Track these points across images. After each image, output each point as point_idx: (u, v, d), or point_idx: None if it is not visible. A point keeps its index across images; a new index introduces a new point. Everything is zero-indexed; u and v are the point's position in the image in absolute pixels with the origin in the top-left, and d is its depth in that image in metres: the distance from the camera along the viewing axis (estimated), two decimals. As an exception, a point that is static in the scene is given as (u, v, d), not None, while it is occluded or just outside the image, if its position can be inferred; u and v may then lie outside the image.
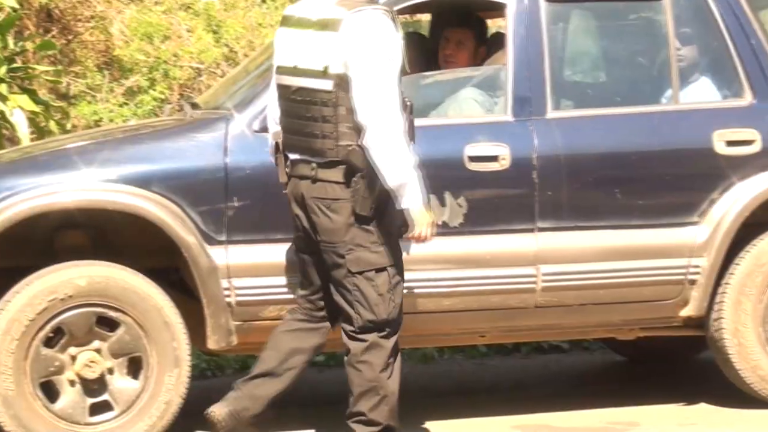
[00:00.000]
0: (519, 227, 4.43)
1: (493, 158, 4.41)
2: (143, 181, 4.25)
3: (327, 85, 3.78)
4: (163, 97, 6.63)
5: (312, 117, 3.81)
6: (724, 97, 4.70)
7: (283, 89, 3.92)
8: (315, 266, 3.99)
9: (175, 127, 4.55)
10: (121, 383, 4.22)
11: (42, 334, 4.16)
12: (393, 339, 3.89)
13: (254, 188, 4.31)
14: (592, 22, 4.96)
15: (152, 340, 4.23)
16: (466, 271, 4.41)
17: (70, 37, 6.86)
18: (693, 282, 4.54)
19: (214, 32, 6.95)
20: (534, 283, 4.45)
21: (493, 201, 4.43)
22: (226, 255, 4.29)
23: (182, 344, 4.26)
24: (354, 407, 3.92)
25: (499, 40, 4.82)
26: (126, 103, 6.59)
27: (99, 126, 6.30)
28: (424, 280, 4.39)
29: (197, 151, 4.32)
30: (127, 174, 4.26)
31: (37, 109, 5.86)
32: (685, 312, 4.57)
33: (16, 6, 6.08)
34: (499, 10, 4.71)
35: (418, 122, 4.51)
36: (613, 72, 5.00)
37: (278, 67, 3.94)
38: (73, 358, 4.20)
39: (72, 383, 4.20)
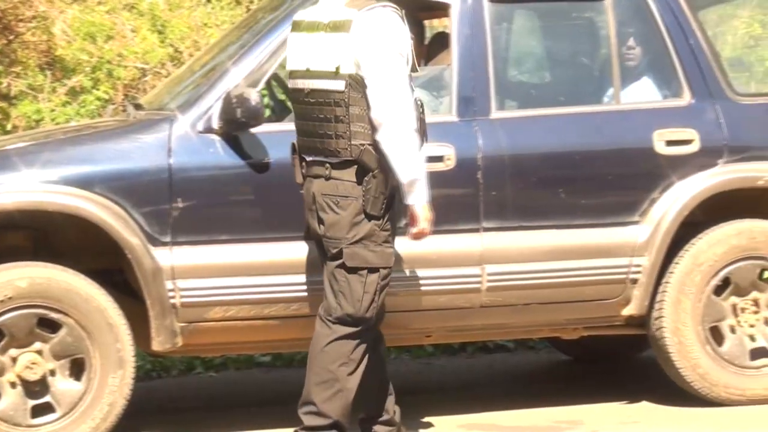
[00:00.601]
0: (464, 227, 4.45)
1: (438, 158, 4.43)
2: (85, 183, 4.22)
3: (339, 85, 3.85)
4: (107, 97, 6.57)
5: (325, 118, 3.90)
6: (664, 96, 4.76)
7: (296, 92, 4.01)
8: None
9: (118, 128, 4.52)
10: (63, 385, 4.18)
11: (-18, 336, 4.13)
12: (363, 337, 3.95)
13: (198, 189, 4.29)
14: (536, 23, 5.00)
15: (95, 342, 4.20)
16: (411, 271, 4.42)
17: (11, 37, 6.78)
18: (635, 281, 4.58)
19: (159, 32, 6.91)
20: (479, 283, 4.47)
21: (439, 201, 4.42)
22: (170, 256, 4.27)
23: (126, 345, 4.24)
24: (307, 396, 3.96)
25: (443, 40, 4.85)
26: (69, 103, 6.53)
27: (40, 126, 6.23)
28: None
29: (140, 152, 4.30)
30: (69, 175, 4.22)
31: (-23, 109, 5.78)
32: (627, 311, 4.62)
33: (-44, 5, 6.00)
34: (443, 11, 4.73)
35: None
36: (557, 72, 5.04)
37: (291, 72, 4.03)
38: (14, 359, 4.16)
39: (13, 385, 4.16)
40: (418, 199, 3.92)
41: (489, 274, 4.47)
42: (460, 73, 4.53)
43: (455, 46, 4.55)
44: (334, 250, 3.91)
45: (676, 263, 4.60)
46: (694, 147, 4.60)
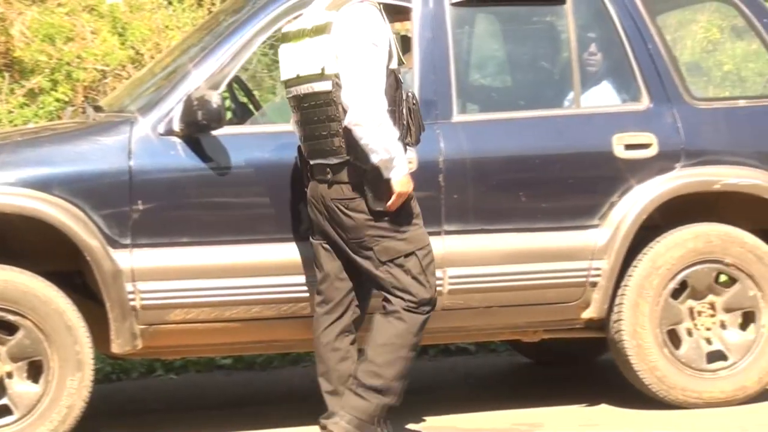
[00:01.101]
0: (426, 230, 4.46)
1: (400, 162, 4.43)
2: (43, 185, 4.19)
3: (326, 86, 3.94)
4: (66, 99, 6.53)
5: (319, 119, 3.98)
6: (623, 100, 4.79)
7: (294, 100, 4.09)
8: (335, 254, 4.07)
9: (77, 130, 4.49)
10: (20, 387, 4.15)
11: (-62, 338, 4.10)
12: (428, 316, 4.03)
13: (159, 192, 4.27)
14: (497, 27, 5.02)
15: (53, 344, 4.17)
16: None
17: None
18: (594, 284, 4.61)
19: (120, 34, 6.87)
20: (440, 285, 4.47)
21: (400, 204, 4.44)
22: (130, 258, 4.25)
23: (85, 348, 4.21)
24: (369, 353, 3.99)
25: (404, 43, 4.86)
26: (27, 105, 6.49)
27: (-1, 128, 6.18)
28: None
29: (100, 154, 4.27)
30: (27, 177, 4.19)
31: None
32: (587, 314, 4.64)
33: None
34: (404, 14, 4.74)
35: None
36: (518, 76, 5.07)
37: (285, 82, 4.12)
38: (-28, 362, 4.14)
39: (-30, 387, 4.14)
40: (394, 174, 3.95)
41: (450, 277, 4.49)
42: (422, 76, 4.54)
43: (417, 49, 4.57)
44: (365, 251, 3.97)
45: (635, 266, 4.64)
46: (652, 151, 4.64)
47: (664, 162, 4.63)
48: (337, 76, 3.92)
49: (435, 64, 4.56)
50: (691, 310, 4.70)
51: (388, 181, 3.96)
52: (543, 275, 4.57)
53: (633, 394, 4.77)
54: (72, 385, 4.16)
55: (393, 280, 3.99)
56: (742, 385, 4.69)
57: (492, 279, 4.53)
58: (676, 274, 4.65)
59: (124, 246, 4.24)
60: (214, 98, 4.22)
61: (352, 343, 4.11)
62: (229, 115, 4.85)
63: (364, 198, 3.95)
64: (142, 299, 4.26)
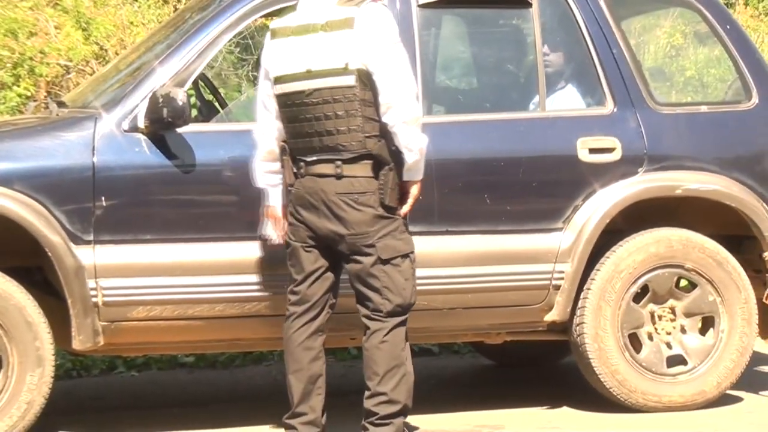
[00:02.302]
0: (389, 231, 4.46)
1: (365, 162, 4.43)
2: (5, 180, 4.16)
3: (349, 80, 3.91)
4: (28, 94, 6.48)
5: (335, 114, 3.93)
6: (588, 105, 4.82)
7: (291, 96, 4.00)
8: (316, 259, 4.04)
9: (40, 125, 4.46)
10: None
11: None
12: (406, 326, 4.05)
13: (123, 188, 4.25)
14: (463, 29, 5.04)
15: (13, 340, 4.14)
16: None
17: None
18: (557, 287, 4.63)
19: (84, 30, 6.83)
20: (403, 286, 4.48)
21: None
22: (93, 255, 4.22)
23: (45, 344, 4.19)
24: (377, 388, 4.00)
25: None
26: (-11, 99, 6.43)
27: (-39, 122, 6.11)
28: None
29: (63, 150, 4.24)
30: None
31: None
32: (550, 317, 4.67)
33: None
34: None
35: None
36: (483, 78, 5.08)
37: (281, 77, 4.01)
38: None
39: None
40: (414, 177, 4.02)
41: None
42: (388, 77, 4.54)
43: (383, 50, 4.56)
44: (366, 248, 3.95)
45: (597, 270, 4.66)
46: (615, 155, 4.67)
47: (627, 166, 4.66)
48: (360, 71, 3.90)
49: (401, 66, 4.55)
50: (652, 314, 4.73)
51: (401, 181, 3.98)
52: (506, 278, 4.59)
53: (594, 397, 4.79)
54: (32, 381, 4.13)
55: (387, 280, 3.98)
56: (701, 389, 4.73)
57: (455, 281, 4.54)
58: (638, 278, 4.68)
59: (87, 242, 4.22)
60: (180, 95, 4.20)
61: (323, 344, 4.12)
62: (194, 112, 4.83)
63: (378, 193, 3.94)
64: (105, 296, 4.24)
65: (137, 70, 4.54)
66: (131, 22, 7.04)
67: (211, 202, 4.36)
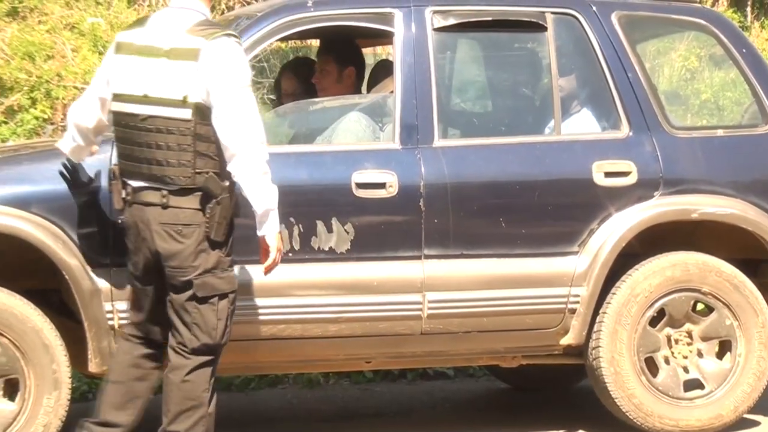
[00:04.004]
0: (406, 254, 4.46)
1: (381, 185, 4.45)
2: (22, 202, 4.18)
3: (185, 114, 3.79)
4: (45, 116, 6.51)
5: (166, 146, 3.81)
6: (603, 128, 4.81)
7: (126, 117, 3.88)
8: (151, 292, 3.95)
9: (57, 148, 4.47)
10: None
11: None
12: (217, 362, 3.94)
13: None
14: (479, 52, 5.05)
15: (30, 362, 4.15)
16: (352, 298, 4.42)
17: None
18: (573, 311, 4.62)
19: (100, 53, 6.86)
20: (420, 310, 4.48)
21: (381, 228, 4.46)
22: (109, 278, 4.23)
23: (62, 366, 4.19)
24: (170, 425, 3.89)
25: (386, 67, 4.88)
26: (5, 122, 6.46)
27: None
28: (311, 306, 4.40)
29: (81, 173, 4.25)
30: (5, 195, 4.18)
31: None
32: (566, 340, 4.65)
33: None
34: (387, 38, 4.76)
35: (307, 148, 4.56)
36: (499, 102, 5.09)
37: (119, 95, 3.90)
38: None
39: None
40: (272, 230, 3.89)
41: (430, 302, 4.49)
42: (404, 100, 4.55)
43: (399, 73, 4.58)
44: (182, 281, 3.84)
45: (613, 294, 4.65)
46: (631, 179, 4.66)
47: (643, 190, 4.65)
48: (198, 106, 3.77)
49: (417, 89, 4.57)
50: (668, 338, 4.72)
51: (232, 217, 3.86)
52: (522, 301, 4.58)
53: (610, 421, 4.77)
54: (48, 404, 4.13)
55: (198, 317, 3.84)
56: (718, 413, 4.71)
57: (471, 304, 4.54)
58: (654, 302, 4.67)
59: (104, 265, 4.22)
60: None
61: (154, 369, 4.00)
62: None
63: (203, 227, 3.81)
64: (121, 319, 4.24)
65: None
66: (147, 45, 7.06)
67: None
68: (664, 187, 4.68)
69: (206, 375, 3.88)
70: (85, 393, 5.54)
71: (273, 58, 7.11)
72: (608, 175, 4.65)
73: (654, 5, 4.95)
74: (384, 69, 4.95)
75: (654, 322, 4.70)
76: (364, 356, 4.60)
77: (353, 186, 4.43)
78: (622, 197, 4.63)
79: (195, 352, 3.87)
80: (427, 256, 4.49)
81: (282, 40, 5.01)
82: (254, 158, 3.81)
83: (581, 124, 4.84)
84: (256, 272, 4.29)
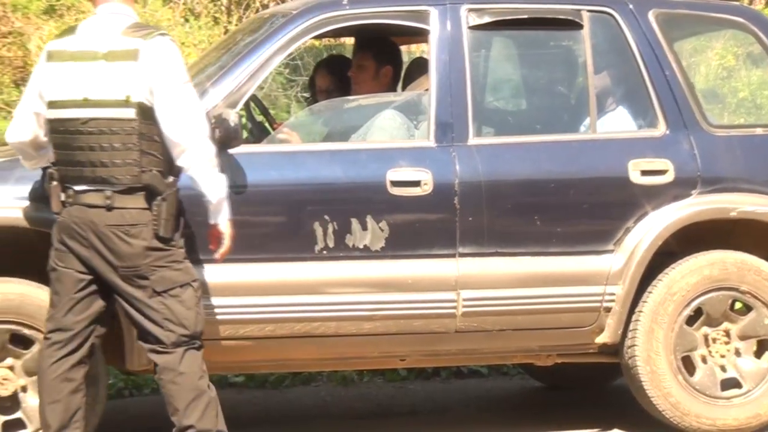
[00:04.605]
0: (440, 252, 4.46)
1: (416, 183, 4.45)
2: None
3: (129, 113, 3.80)
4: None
5: (111, 146, 3.80)
6: (639, 127, 4.79)
7: (65, 122, 3.86)
8: (88, 295, 3.92)
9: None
10: (34, 401, 4.12)
11: (-46, 351, 4.11)
12: (202, 351, 3.95)
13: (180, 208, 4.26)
14: (514, 50, 5.03)
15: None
16: (387, 295, 4.42)
17: (-13, 53, 6.76)
18: (608, 309, 4.60)
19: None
20: (454, 308, 4.48)
21: (415, 226, 4.46)
22: (146, 275, 4.25)
23: (99, 363, 4.21)
24: (182, 422, 3.91)
25: (421, 65, 4.88)
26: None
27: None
28: (345, 303, 4.40)
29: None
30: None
31: (-48, 123, 5.74)
32: (601, 339, 4.63)
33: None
34: (422, 36, 4.76)
35: (342, 146, 4.56)
36: (534, 100, 5.07)
37: (55, 102, 3.87)
38: (-15, 375, 4.15)
39: (-16, 401, 4.15)
40: (224, 217, 3.94)
41: (464, 300, 4.48)
42: (439, 98, 4.55)
43: (434, 71, 4.57)
44: (139, 280, 3.84)
45: (650, 292, 4.63)
46: (668, 177, 4.64)
47: (680, 189, 4.62)
48: (141, 105, 3.79)
49: (452, 87, 4.56)
50: (705, 337, 4.69)
51: (180, 210, 3.89)
52: (557, 299, 4.56)
53: (646, 421, 4.75)
54: (86, 401, 4.12)
55: (167, 311, 3.85)
56: (756, 412, 4.68)
57: (506, 302, 4.52)
58: (691, 301, 4.64)
59: (141, 263, 4.24)
60: (232, 117, 4.23)
61: (84, 376, 3.95)
62: (245, 134, 4.86)
63: (151, 225, 3.82)
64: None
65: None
66: (182, 43, 7.11)
67: (262, 223, 4.38)
68: (702, 186, 4.65)
69: (197, 362, 3.90)
70: (122, 390, 5.58)
71: (307, 56, 7.14)
72: (645, 173, 4.62)
73: (692, 3, 4.92)
74: (419, 67, 4.95)
75: (691, 320, 4.67)
76: (398, 354, 4.60)
77: (388, 184, 4.43)
78: (659, 196, 4.61)
79: (176, 344, 3.89)
80: (462, 254, 4.48)
81: (316, 38, 5.02)
82: (204, 151, 3.86)
83: (617, 123, 4.82)
84: (290, 271, 4.31)
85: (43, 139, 3.97)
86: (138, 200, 3.84)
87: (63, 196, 3.89)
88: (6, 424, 4.15)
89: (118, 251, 3.84)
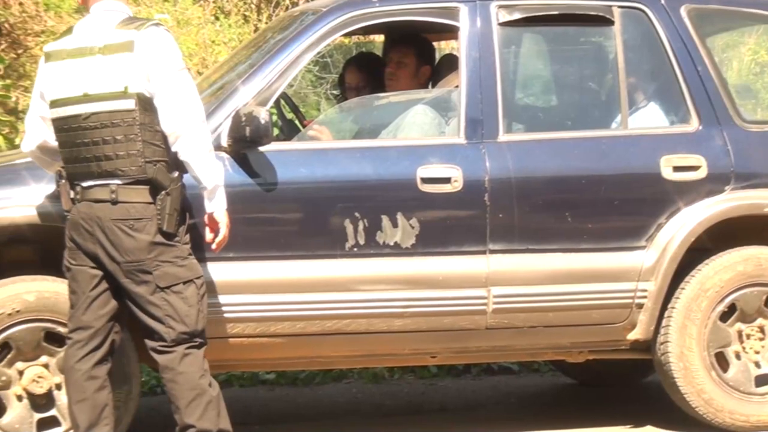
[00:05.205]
0: (471, 249, 4.45)
1: (446, 180, 4.44)
2: None
3: (129, 104, 3.81)
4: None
5: (113, 139, 3.81)
6: (672, 122, 4.77)
7: (68, 120, 3.88)
8: (103, 292, 3.93)
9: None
10: (68, 399, 4.18)
11: (-11, 349, 4.14)
12: (203, 348, 3.94)
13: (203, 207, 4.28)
14: (544, 47, 5.02)
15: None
16: (417, 292, 4.42)
17: (19, 52, 6.81)
18: (640, 306, 4.58)
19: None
20: (485, 305, 4.47)
21: (445, 223, 4.45)
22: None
23: (132, 361, 4.24)
24: (183, 421, 3.92)
25: (451, 62, 4.87)
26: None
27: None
28: (376, 301, 4.41)
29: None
30: None
31: (-16, 123, 5.80)
32: (633, 335, 4.62)
33: (-34, 20, 6.03)
34: (452, 33, 4.75)
35: (372, 143, 4.57)
36: (564, 96, 5.06)
37: (57, 101, 3.90)
38: (21, 373, 4.18)
39: (19, 398, 4.18)
40: (221, 205, 3.93)
41: (495, 296, 4.48)
42: (469, 95, 4.54)
43: (464, 68, 4.56)
44: (142, 275, 3.83)
45: (682, 289, 4.61)
46: (701, 173, 4.61)
47: (713, 184, 4.60)
48: (139, 95, 3.80)
49: (482, 84, 4.55)
50: (739, 333, 4.66)
51: (185, 206, 3.89)
52: (588, 296, 4.55)
53: (679, 417, 4.74)
54: (119, 398, 4.16)
55: (168, 308, 3.85)
56: (790, 409, 4.66)
57: (537, 299, 4.51)
58: (725, 297, 4.62)
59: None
60: (262, 114, 4.23)
61: (108, 372, 3.96)
62: (276, 131, 4.87)
63: (155, 219, 3.82)
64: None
65: (220, 90, 4.59)
66: (213, 41, 7.13)
67: (292, 221, 4.39)
68: (736, 182, 4.62)
69: (197, 361, 3.90)
70: (154, 387, 5.61)
71: (336, 53, 7.14)
72: (677, 169, 4.60)
73: (724, -2, 4.89)
74: (448, 63, 4.94)
75: (725, 317, 4.65)
76: (429, 351, 4.60)
77: (418, 181, 4.43)
78: (692, 191, 4.58)
79: (176, 342, 3.88)
80: (492, 251, 4.47)
81: (346, 35, 5.03)
82: (199, 137, 3.85)
83: (648, 118, 4.79)
84: (320, 268, 4.32)
85: (54, 143, 3.98)
86: (142, 194, 3.84)
87: (72, 194, 3.91)
88: (41, 421, 4.19)
89: (122, 245, 3.83)
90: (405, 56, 4.90)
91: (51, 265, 4.25)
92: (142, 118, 3.81)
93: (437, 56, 5.28)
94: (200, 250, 4.10)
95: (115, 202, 3.83)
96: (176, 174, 3.87)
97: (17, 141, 6.14)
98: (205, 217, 3.97)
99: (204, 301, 3.93)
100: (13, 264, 4.28)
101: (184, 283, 3.88)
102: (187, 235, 3.92)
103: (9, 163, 4.47)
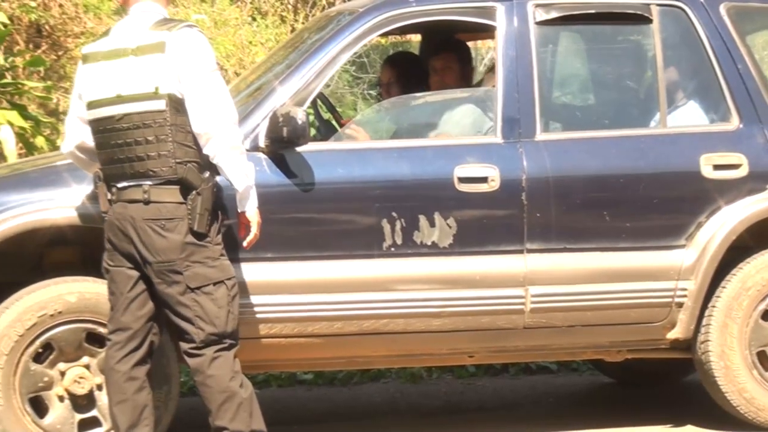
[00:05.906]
0: (508, 248, 4.45)
1: (483, 179, 4.44)
2: None
3: (159, 105, 3.82)
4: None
5: (145, 140, 3.83)
6: (711, 121, 4.73)
7: (102, 121, 3.91)
8: (133, 293, 3.94)
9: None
10: (109, 399, 4.21)
11: (31, 349, 4.17)
12: (234, 350, 3.93)
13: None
14: (581, 45, 5.00)
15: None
16: (455, 292, 4.42)
17: (59, 53, 6.87)
18: (680, 305, 4.56)
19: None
20: (523, 304, 4.46)
21: (483, 222, 4.45)
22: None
23: (171, 361, 4.26)
24: (215, 423, 3.93)
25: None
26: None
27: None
28: (413, 300, 4.41)
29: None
30: None
31: (26, 124, 5.86)
32: (673, 334, 4.59)
33: (6, 22, 6.10)
34: (489, 32, 4.75)
35: (409, 143, 4.57)
36: (602, 94, 5.03)
37: (92, 102, 3.93)
38: (62, 373, 4.22)
39: (61, 399, 4.22)
40: (252, 206, 3.93)
41: (533, 296, 4.47)
42: (505, 94, 4.53)
43: (501, 67, 4.56)
44: (173, 275, 3.84)
45: (723, 287, 4.58)
46: (742, 171, 4.58)
47: (754, 183, 4.57)
48: (170, 96, 3.80)
49: (519, 83, 4.54)
50: (782, 332, 4.64)
51: (218, 207, 3.89)
52: (627, 295, 4.53)
53: (720, 416, 4.70)
54: (159, 398, 4.19)
55: (198, 308, 3.84)
56: (831, 409, 4.61)
57: (575, 298, 4.50)
58: (767, 296, 4.58)
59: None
60: (300, 115, 4.24)
61: (147, 373, 3.97)
62: (312, 131, 4.89)
63: (186, 219, 3.82)
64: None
65: (257, 90, 4.61)
66: (250, 42, 7.16)
67: (330, 221, 4.40)
68: (777, 180, 4.59)
69: (227, 363, 3.89)
70: (193, 387, 5.63)
71: (373, 53, 7.15)
72: (717, 167, 4.57)
73: (764, -5, 4.84)
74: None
75: (766, 315, 4.61)
76: (466, 350, 4.60)
77: (455, 180, 4.42)
78: (732, 190, 4.55)
79: (205, 343, 3.88)
80: (530, 250, 4.46)
81: (383, 35, 5.03)
82: (230, 138, 3.85)
83: (688, 117, 4.76)
84: (358, 268, 4.33)
85: (91, 144, 4.01)
86: (174, 194, 3.84)
87: (109, 195, 3.94)
88: (82, 422, 4.22)
89: (154, 245, 3.84)
90: (450, 61, 4.91)
91: (92, 266, 4.29)
92: (174, 119, 3.82)
93: (475, 55, 5.28)
94: (238, 250, 4.13)
95: (147, 203, 3.85)
96: (207, 174, 3.88)
97: (58, 142, 6.19)
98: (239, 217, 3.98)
99: (235, 302, 3.93)
100: (55, 265, 4.32)
101: (215, 284, 3.88)
102: (219, 236, 3.93)
103: (50, 164, 4.51)
